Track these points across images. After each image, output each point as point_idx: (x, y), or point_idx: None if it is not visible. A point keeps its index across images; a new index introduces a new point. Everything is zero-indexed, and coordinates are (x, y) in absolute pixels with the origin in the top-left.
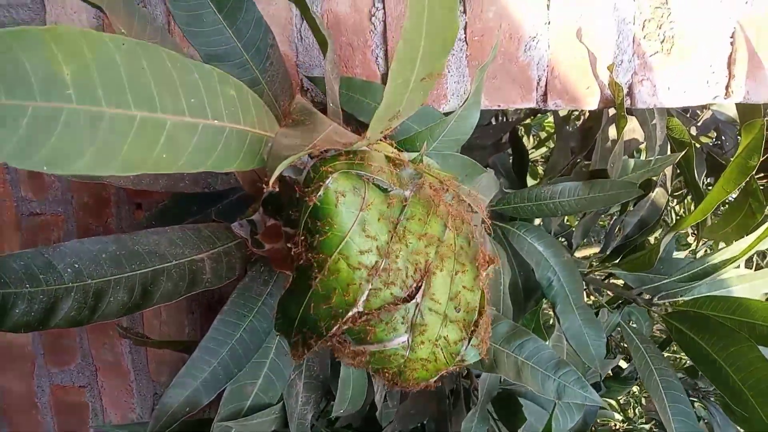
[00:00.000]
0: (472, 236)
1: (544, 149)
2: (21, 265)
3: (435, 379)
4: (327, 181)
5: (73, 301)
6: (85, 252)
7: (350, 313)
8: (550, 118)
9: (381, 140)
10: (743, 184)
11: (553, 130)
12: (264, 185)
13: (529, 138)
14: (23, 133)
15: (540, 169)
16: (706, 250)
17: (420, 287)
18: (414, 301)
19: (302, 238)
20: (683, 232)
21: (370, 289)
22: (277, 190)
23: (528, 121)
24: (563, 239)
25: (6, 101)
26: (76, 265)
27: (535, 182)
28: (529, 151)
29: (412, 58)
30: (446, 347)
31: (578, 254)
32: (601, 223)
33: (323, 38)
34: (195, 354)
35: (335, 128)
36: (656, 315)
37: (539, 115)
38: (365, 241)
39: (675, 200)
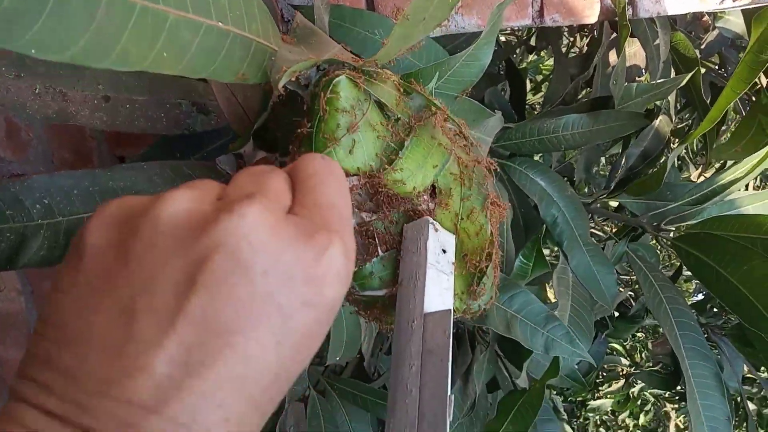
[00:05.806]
0: (482, 180)
1: (541, 93)
2: None
3: None
4: (337, 80)
5: (43, 239)
6: (56, 187)
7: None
8: (549, 61)
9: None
10: (753, 89)
11: (549, 73)
12: (271, 100)
13: (525, 82)
14: (9, 5)
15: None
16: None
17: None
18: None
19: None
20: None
21: None
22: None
23: (524, 64)
24: (564, 176)
25: None
26: (45, 201)
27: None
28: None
29: None
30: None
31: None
32: (602, 172)
33: None
34: None
35: (341, 49)
36: (664, 241)
37: (535, 56)
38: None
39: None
